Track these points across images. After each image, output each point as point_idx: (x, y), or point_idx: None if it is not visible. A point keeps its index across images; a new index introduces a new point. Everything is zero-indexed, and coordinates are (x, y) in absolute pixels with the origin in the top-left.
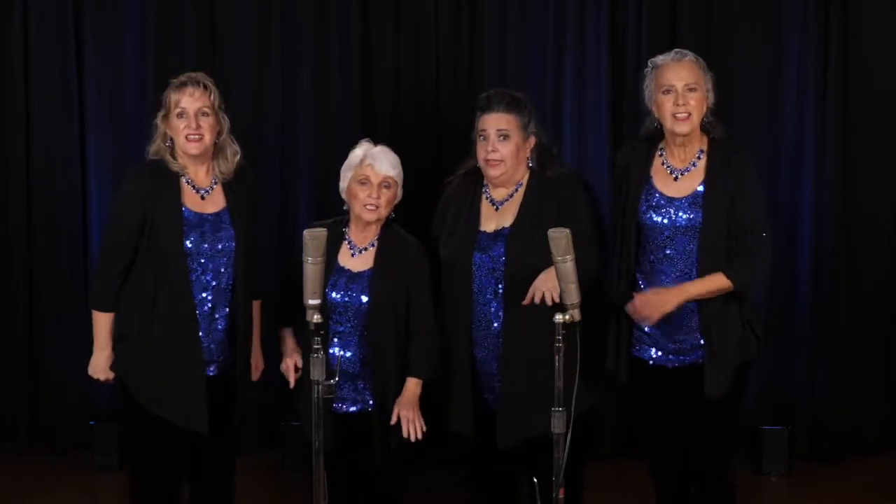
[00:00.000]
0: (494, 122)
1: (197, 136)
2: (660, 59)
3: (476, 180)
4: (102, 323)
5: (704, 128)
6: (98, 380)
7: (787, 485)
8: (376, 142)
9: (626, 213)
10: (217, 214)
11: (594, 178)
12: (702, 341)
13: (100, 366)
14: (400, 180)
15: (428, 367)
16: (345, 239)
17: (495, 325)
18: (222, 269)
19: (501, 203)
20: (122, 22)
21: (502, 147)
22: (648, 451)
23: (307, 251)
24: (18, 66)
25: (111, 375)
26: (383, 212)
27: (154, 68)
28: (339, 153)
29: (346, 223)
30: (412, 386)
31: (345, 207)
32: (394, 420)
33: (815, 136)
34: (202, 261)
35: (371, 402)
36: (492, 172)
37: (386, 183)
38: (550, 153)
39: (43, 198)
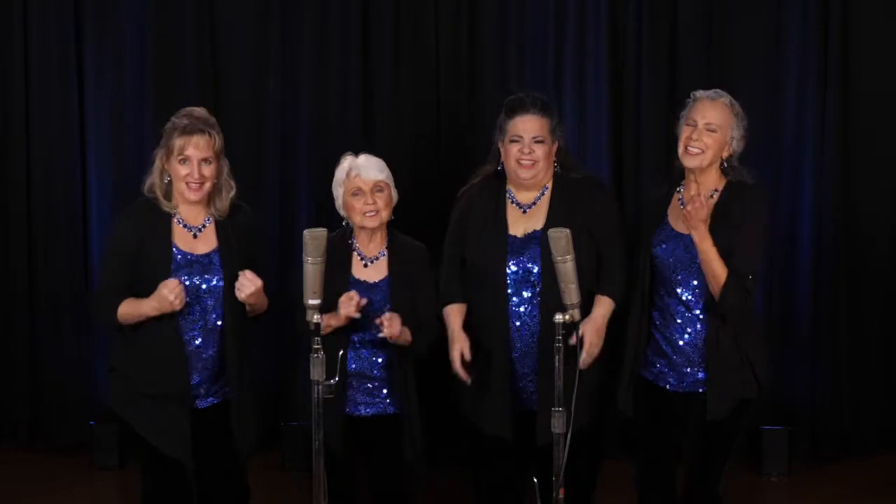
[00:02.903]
0: (530, 126)
1: (198, 185)
2: (700, 93)
3: (496, 186)
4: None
5: (726, 171)
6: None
7: (787, 485)
8: (375, 144)
9: (642, 248)
10: (207, 255)
11: None
12: (702, 375)
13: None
14: (391, 181)
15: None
16: (353, 250)
17: (530, 325)
18: (210, 310)
19: (528, 206)
20: (122, 22)
21: (538, 149)
22: (637, 460)
23: (307, 251)
24: (19, 65)
25: (180, 293)
26: (384, 215)
27: (154, 68)
28: (339, 157)
29: (351, 234)
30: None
31: (344, 223)
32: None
33: (815, 136)
34: (188, 300)
35: (389, 402)
36: (525, 174)
37: (378, 187)
38: (570, 156)
39: (43, 198)
